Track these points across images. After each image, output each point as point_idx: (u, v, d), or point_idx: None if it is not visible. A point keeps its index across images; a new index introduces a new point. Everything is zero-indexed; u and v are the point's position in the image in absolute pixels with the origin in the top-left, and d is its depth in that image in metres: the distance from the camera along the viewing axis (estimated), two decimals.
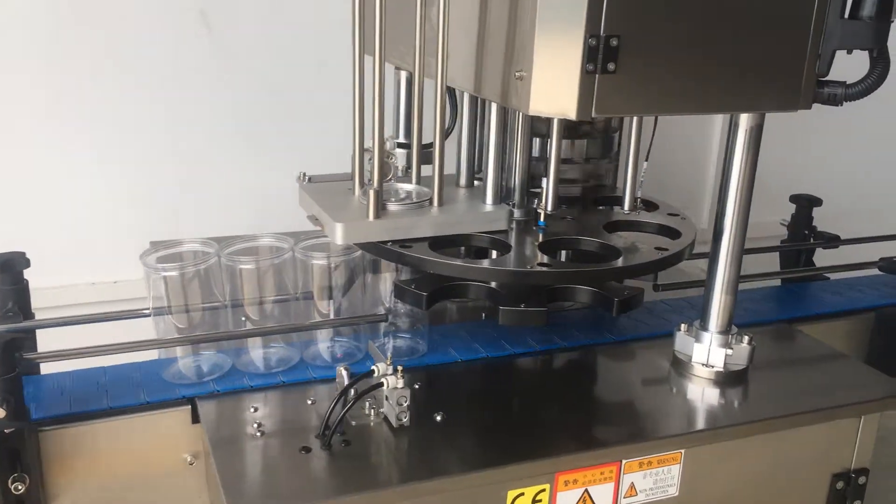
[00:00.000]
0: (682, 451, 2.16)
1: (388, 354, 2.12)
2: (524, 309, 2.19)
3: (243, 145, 3.46)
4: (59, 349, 2.17)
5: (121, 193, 3.35)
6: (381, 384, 2.06)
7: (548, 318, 2.20)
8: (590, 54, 1.87)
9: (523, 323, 2.22)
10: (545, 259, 2.24)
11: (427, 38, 2.17)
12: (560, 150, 2.26)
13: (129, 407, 2.15)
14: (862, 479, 2.41)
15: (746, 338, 2.37)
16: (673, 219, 2.57)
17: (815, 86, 2.11)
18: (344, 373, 2.11)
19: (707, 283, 2.36)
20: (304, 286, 2.31)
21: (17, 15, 3.09)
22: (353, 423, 2.09)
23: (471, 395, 2.35)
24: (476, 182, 2.53)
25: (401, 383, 2.05)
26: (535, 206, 2.40)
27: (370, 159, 2.25)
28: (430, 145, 2.29)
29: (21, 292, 2.30)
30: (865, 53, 2.10)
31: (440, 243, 2.27)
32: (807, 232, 3.17)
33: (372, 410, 2.11)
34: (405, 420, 2.07)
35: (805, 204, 3.17)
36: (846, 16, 2.05)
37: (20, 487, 1.97)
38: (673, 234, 2.46)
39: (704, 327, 2.37)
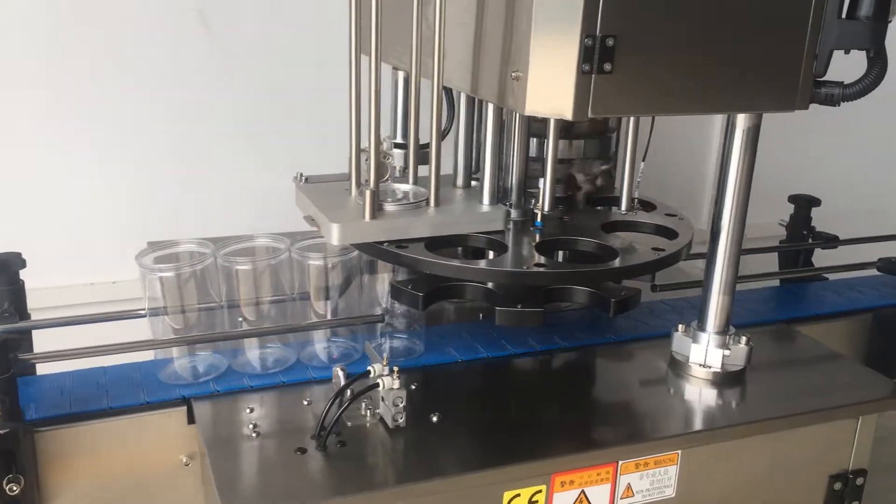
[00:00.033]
0: (679, 451, 2.14)
1: (385, 355, 2.10)
2: (521, 310, 2.17)
3: (243, 145, 3.45)
4: (55, 350, 2.16)
5: (121, 193, 3.34)
6: (377, 385, 2.04)
7: (544, 319, 2.19)
8: (586, 54, 1.85)
9: (520, 323, 2.20)
10: (542, 260, 2.22)
11: (424, 38, 2.16)
12: (557, 150, 2.24)
13: (124, 408, 2.13)
14: (860, 480, 2.39)
15: (744, 338, 2.35)
16: (670, 219, 2.55)
17: (813, 86, 2.09)
18: (340, 373, 2.09)
19: (704, 284, 2.35)
20: (301, 287, 2.30)
21: (17, 15, 3.08)
22: (350, 423, 2.07)
23: (467, 395, 2.33)
24: (473, 182, 2.51)
25: (397, 384, 2.03)
26: (531, 206, 2.38)
27: (367, 160, 2.23)
28: (427, 146, 2.27)
29: (17, 293, 2.29)
30: (863, 53, 2.08)
31: (437, 244, 2.26)
32: (805, 232, 3.15)
33: (368, 411, 2.09)
34: (401, 421, 2.05)
35: (804, 204, 3.15)
36: (843, 16, 2.03)
37: (15, 489, 1.95)
38: (670, 234, 2.45)
39: (702, 328, 2.35)
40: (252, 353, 2.29)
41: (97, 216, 3.32)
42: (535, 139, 2.46)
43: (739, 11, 1.97)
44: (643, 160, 2.45)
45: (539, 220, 2.36)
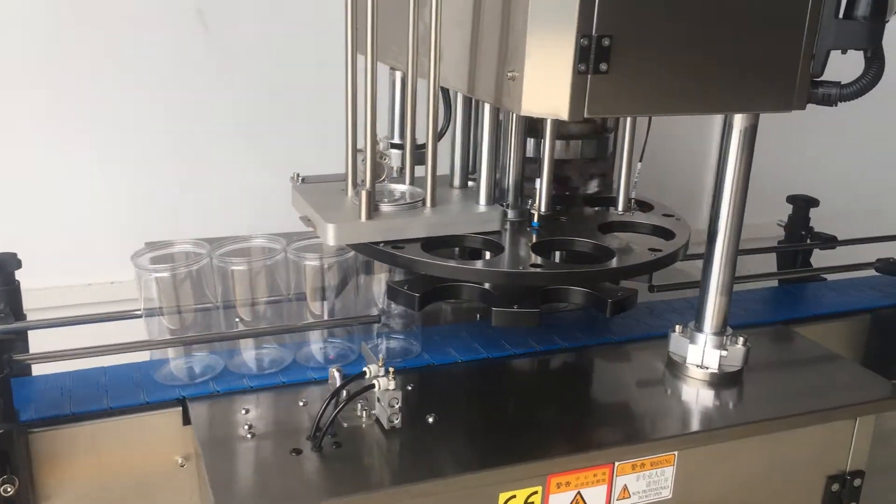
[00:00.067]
0: (676, 453, 2.12)
1: (381, 356, 2.08)
2: (517, 310, 2.15)
3: (243, 145, 3.43)
4: (50, 351, 2.14)
5: (121, 193, 3.32)
6: (373, 386, 2.02)
7: (540, 320, 2.17)
8: (581, 54, 1.83)
9: (516, 324, 2.18)
10: (538, 260, 2.20)
11: (420, 38, 2.14)
12: (553, 150, 2.23)
13: (119, 408, 2.11)
14: (857, 482, 2.37)
15: (741, 339, 2.33)
16: (667, 219, 2.53)
17: (810, 86, 2.07)
18: (336, 374, 2.08)
19: (702, 285, 2.33)
20: (297, 287, 2.28)
21: (17, 15, 3.06)
22: (345, 424, 2.05)
23: (464, 396, 2.31)
24: (470, 183, 2.49)
25: (392, 385, 2.01)
26: (528, 206, 2.36)
27: (363, 160, 2.21)
28: (424, 146, 2.25)
29: (12, 293, 2.27)
30: (860, 53, 2.06)
31: (433, 244, 2.24)
32: (803, 233, 3.12)
33: (364, 412, 2.08)
34: (397, 422, 2.03)
35: (802, 205, 3.12)
36: (840, 15, 2.01)
37: (9, 489, 1.94)
38: (667, 235, 2.42)
39: (699, 328, 2.34)
40: (248, 353, 2.28)
41: (97, 216, 3.30)
42: (532, 139, 2.44)
43: (736, 11, 1.95)
44: (640, 160, 2.42)
45: (536, 220, 2.34)
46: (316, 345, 2.34)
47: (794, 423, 2.25)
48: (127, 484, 2.13)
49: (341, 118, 2.20)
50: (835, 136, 4.26)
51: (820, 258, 3.19)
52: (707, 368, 2.32)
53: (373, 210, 2.18)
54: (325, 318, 2.31)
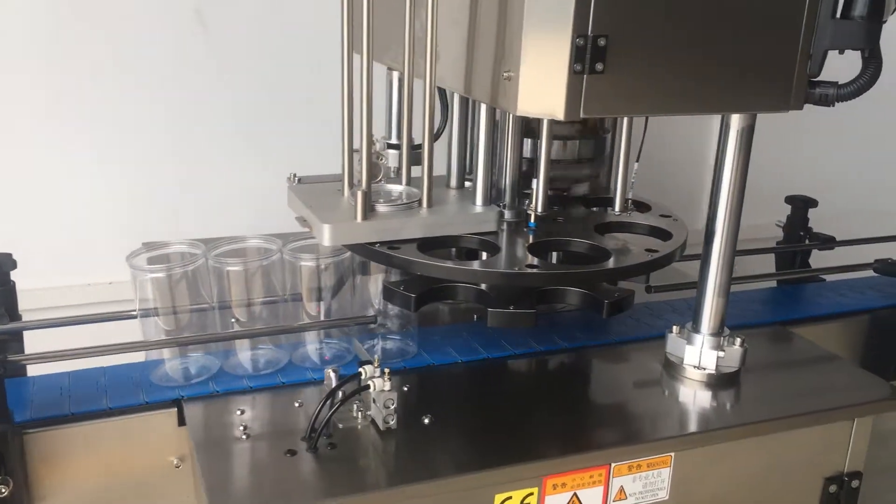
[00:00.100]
0: (672, 454, 2.10)
1: (376, 356, 2.06)
2: (513, 311, 2.14)
3: (243, 145, 3.41)
4: (45, 351, 2.13)
5: (121, 193, 3.31)
6: (368, 386, 2.00)
7: (536, 320, 2.15)
8: (577, 54, 1.81)
9: (512, 325, 2.17)
10: (534, 261, 2.18)
11: (417, 38, 2.13)
12: (550, 151, 2.21)
13: (115, 409, 2.09)
14: (855, 483, 2.35)
15: (738, 340, 2.31)
16: (665, 220, 2.51)
17: (807, 86, 2.05)
18: (332, 375, 2.06)
19: (699, 285, 2.31)
20: (293, 288, 2.26)
21: (17, 15, 3.05)
22: (340, 425, 2.03)
23: (460, 397, 2.30)
24: (467, 183, 2.47)
25: (387, 386, 1.99)
26: (525, 207, 2.34)
27: (360, 160, 2.19)
28: (421, 146, 2.23)
29: (7, 294, 2.26)
30: (857, 53, 2.04)
31: (429, 245, 2.22)
32: (802, 233, 3.11)
33: (359, 413, 2.06)
34: (392, 423, 2.01)
35: (800, 205, 3.11)
36: (838, 15, 1.99)
37: (3, 490, 1.91)
38: (664, 235, 2.40)
39: (696, 329, 2.32)
40: (244, 354, 2.26)
41: (97, 216, 3.29)
42: (529, 140, 2.42)
43: (733, 11, 1.94)
44: (637, 161, 2.40)
45: (532, 221, 2.32)
46: (312, 345, 2.32)
47: (791, 424, 2.23)
48: (122, 485, 2.10)
49: (340, 118, 2.19)
50: (833, 137, 4.24)
51: (818, 259, 3.17)
52: (704, 369, 2.30)
53: (369, 210, 2.16)
54: (322, 318, 2.29)
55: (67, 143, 3.20)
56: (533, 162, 2.40)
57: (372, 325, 2.33)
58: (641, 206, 2.60)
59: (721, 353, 2.29)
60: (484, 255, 2.26)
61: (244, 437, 1.99)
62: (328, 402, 1.99)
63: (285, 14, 3.33)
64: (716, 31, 1.94)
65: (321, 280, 2.24)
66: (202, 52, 3.28)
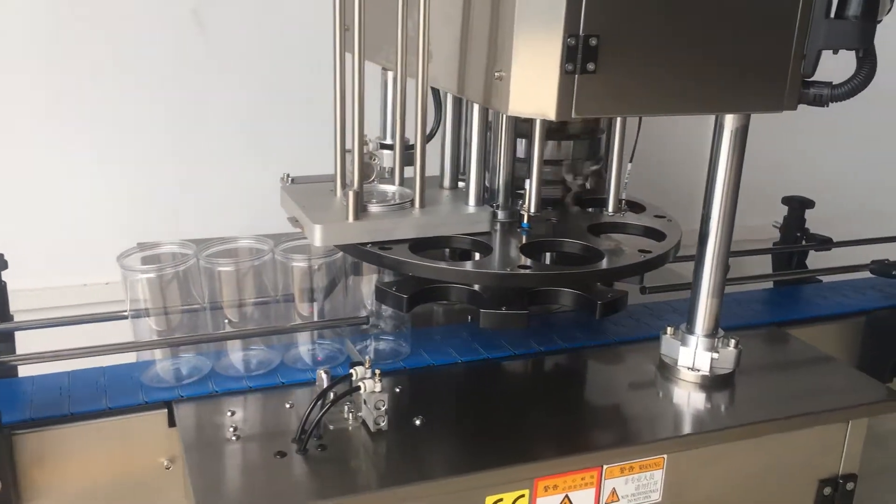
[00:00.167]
0: (665, 456, 2.07)
1: (367, 357, 2.03)
2: (505, 312, 2.10)
3: (243, 145, 3.38)
4: (35, 352, 2.11)
5: (121, 193, 3.28)
6: (359, 388, 1.97)
7: (528, 322, 2.12)
8: (569, 54, 1.79)
9: (504, 326, 2.14)
10: (527, 262, 2.14)
11: (409, 37, 2.09)
12: (543, 151, 2.18)
13: (105, 410, 2.06)
14: (850, 485, 2.31)
15: (733, 341, 2.28)
16: (659, 221, 2.48)
17: (801, 86, 2.02)
18: (324, 376, 2.03)
19: (693, 286, 2.28)
20: (285, 288, 2.23)
21: (17, 15, 3.02)
22: (331, 427, 2.01)
23: (453, 398, 2.26)
24: (461, 184, 2.43)
25: (378, 387, 1.96)
26: (518, 207, 2.30)
27: (353, 160, 2.16)
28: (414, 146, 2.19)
29: None
30: (852, 53, 2.01)
31: (422, 245, 2.18)
32: (799, 234, 3.08)
33: (350, 415, 2.02)
34: (383, 424, 1.98)
35: (797, 206, 3.08)
36: (832, 15, 1.96)
37: None
38: (658, 236, 2.37)
39: (690, 330, 2.28)
40: (235, 355, 2.23)
41: (97, 216, 3.26)
42: (523, 140, 2.38)
43: (726, 11, 1.90)
44: (630, 161, 2.37)
45: (525, 221, 2.28)
46: (304, 346, 2.29)
47: (785, 426, 2.20)
48: (112, 486, 2.08)
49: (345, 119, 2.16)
50: (830, 137, 4.20)
51: (815, 260, 3.14)
52: (698, 371, 2.27)
53: (360, 211, 2.13)
54: (315, 319, 2.25)
55: (67, 143, 3.17)
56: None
57: (364, 326, 2.29)
58: (636, 207, 2.56)
59: (715, 355, 2.25)
60: (477, 256, 2.23)
61: (234, 438, 1.96)
62: (319, 403, 1.96)
63: (285, 14, 3.30)
64: (709, 31, 1.91)
65: (313, 281, 2.21)
66: (202, 52, 3.25)
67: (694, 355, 2.27)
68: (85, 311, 2.38)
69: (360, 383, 1.96)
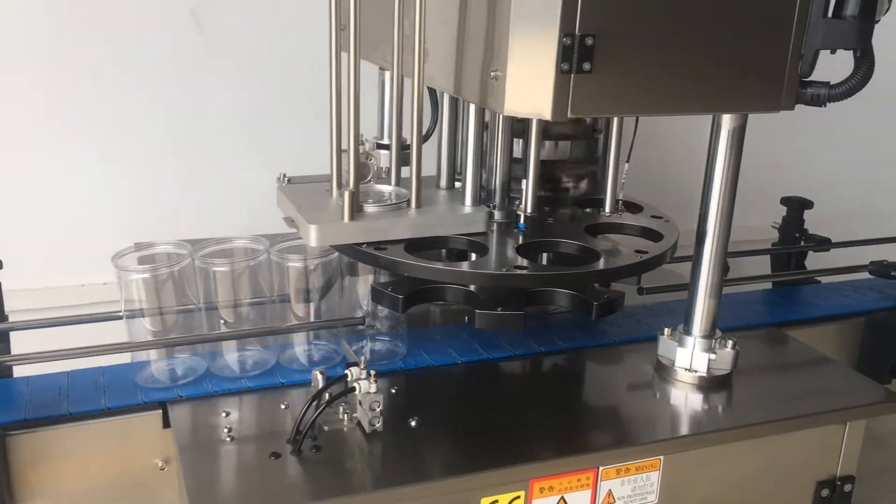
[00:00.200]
0: (661, 457, 2.05)
1: (363, 358, 2.01)
2: (500, 312, 2.08)
3: (243, 145, 3.37)
4: (30, 352, 2.09)
5: (121, 193, 3.26)
6: (353, 389, 1.94)
7: (525, 322, 2.09)
8: (565, 53, 1.76)
9: (500, 326, 2.11)
10: (523, 262, 2.11)
11: (406, 37, 2.08)
12: (539, 151, 2.15)
13: (99, 411, 2.04)
14: (848, 487, 2.29)
15: (730, 342, 2.25)
16: (656, 221, 2.45)
17: (798, 86, 2.00)
18: (319, 377, 2.00)
19: (690, 287, 2.25)
20: (281, 289, 2.21)
21: (17, 15, 3.00)
22: (326, 428, 1.98)
23: (449, 399, 2.24)
24: (457, 184, 2.41)
25: (373, 388, 1.94)
26: (515, 208, 2.27)
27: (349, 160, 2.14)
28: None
29: None
30: (849, 53, 1.99)
31: (418, 245, 2.16)
32: (797, 235, 3.07)
33: (346, 415, 2.00)
34: (378, 425, 1.96)
35: (796, 206, 3.07)
36: (829, 15, 1.93)
37: None
38: (655, 236, 2.34)
39: (688, 331, 2.26)
40: (231, 355, 2.21)
41: (97, 216, 3.24)
42: (520, 140, 2.36)
43: (723, 10, 1.88)
44: (627, 161, 2.34)
45: (522, 221, 2.26)
46: (300, 347, 2.27)
47: (783, 427, 2.17)
48: (107, 487, 2.06)
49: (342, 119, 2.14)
50: (829, 138, 4.18)
51: (814, 260, 3.12)
52: (695, 372, 2.25)
53: (356, 211, 2.11)
54: (311, 320, 2.23)
55: (67, 143, 3.16)
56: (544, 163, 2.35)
57: (360, 327, 2.27)
58: (633, 207, 2.54)
59: (712, 356, 2.23)
60: (473, 256, 2.20)
61: (229, 439, 1.94)
62: (314, 404, 1.93)
63: (285, 14, 3.28)
64: (705, 31, 1.88)
65: (309, 281, 2.19)
66: (202, 52, 3.23)
67: (691, 356, 2.24)
68: (83, 312, 2.36)
69: (356, 384, 1.94)
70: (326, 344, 2.29)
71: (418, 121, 2.12)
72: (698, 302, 2.22)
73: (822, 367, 2.46)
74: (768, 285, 3.05)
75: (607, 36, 1.78)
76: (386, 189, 2.28)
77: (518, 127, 2.31)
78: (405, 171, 2.28)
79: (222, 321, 2.19)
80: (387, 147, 2.46)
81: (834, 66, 2.06)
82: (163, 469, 2.07)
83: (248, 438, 1.95)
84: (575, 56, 1.76)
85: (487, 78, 1.88)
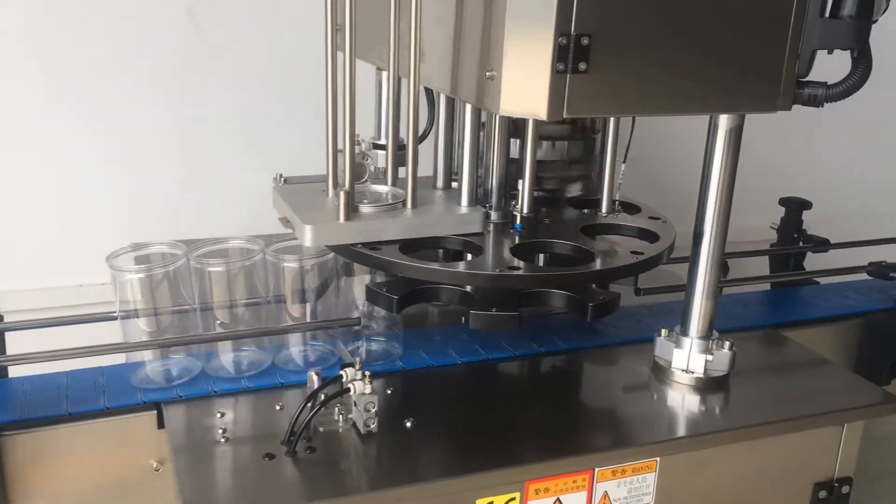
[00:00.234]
0: (658, 459, 2.03)
1: (358, 358, 1.99)
2: (495, 313, 2.06)
3: (243, 145, 3.34)
4: (24, 353, 2.07)
5: (121, 193, 3.24)
6: (348, 390, 1.92)
7: (519, 323, 2.07)
8: (560, 53, 1.75)
9: (494, 327, 2.09)
10: (519, 263, 2.09)
11: (402, 37, 2.06)
12: (535, 151, 2.14)
13: (94, 412, 2.03)
14: (845, 489, 2.27)
15: (727, 343, 2.23)
16: (653, 222, 2.43)
17: (796, 86, 1.98)
18: (315, 377, 1.98)
19: (687, 288, 2.24)
20: (276, 289, 2.19)
21: (16, 15, 2.98)
22: (321, 429, 1.97)
23: (445, 400, 2.22)
24: (454, 184, 2.39)
25: (368, 389, 1.92)
26: (511, 208, 2.25)
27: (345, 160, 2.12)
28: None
29: None
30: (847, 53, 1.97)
31: (414, 246, 2.15)
32: (796, 235, 3.05)
33: (341, 416, 1.98)
34: (373, 426, 1.94)
35: (794, 207, 3.05)
36: (826, 15, 1.91)
37: None
38: (652, 237, 2.32)
39: (685, 332, 2.24)
40: (226, 356, 2.19)
41: (97, 216, 3.22)
42: (517, 140, 2.33)
43: (719, 10, 1.86)
44: (623, 161, 2.32)
45: (518, 222, 2.24)
46: (295, 347, 2.25)
47: (780, 429, 2.16)
48: (102, 488, 2.05)
49: (339, 119, 2.12)
50: (828, 138, 4.17)
51: (812, 261, 3.10)
52: (692, 373, 2.23)
53: (351, 211, 2.09)
54: (307, 320, 2.22)
55: (67, 143, 3.14)
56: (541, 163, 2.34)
57: (356, 327, 2.25)
58: (631, 208, 2.52)
59: (709, 357, 2.21)
60: (468, 257, 2.18)
61: (223, 440, 1.92)
62: (308, 405, 1.92)
63: (285, 14, 3.26)
64: (702, 31, 1.87)
65: (305, 281, 2.18)
66: (202, 52, 3.21)
67: (688, 357, 2.22)
68: (83, 312, 2.34)
69: (350, 385, 1.93)
70: (322, 344, 2.28)
71: (414, 121, 2.10)
72: (695, 303, 2.21)
73: (820, 369, 2.44)
74: (767, 286, 3.03)
75: (603, 36, 1.76)
76: (382, 189, 2.26)
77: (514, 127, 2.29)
78: (402, 172, 2.26)
79: (218, 322, 2.17)
80: (384, 147, 2.45)
81: (834, 66, 2.04)
82: (157, 470, 2.06)
83: (243, 439, 1.94)
84: (570, 56, 1.75)
85: (483, 78, 1.87)
